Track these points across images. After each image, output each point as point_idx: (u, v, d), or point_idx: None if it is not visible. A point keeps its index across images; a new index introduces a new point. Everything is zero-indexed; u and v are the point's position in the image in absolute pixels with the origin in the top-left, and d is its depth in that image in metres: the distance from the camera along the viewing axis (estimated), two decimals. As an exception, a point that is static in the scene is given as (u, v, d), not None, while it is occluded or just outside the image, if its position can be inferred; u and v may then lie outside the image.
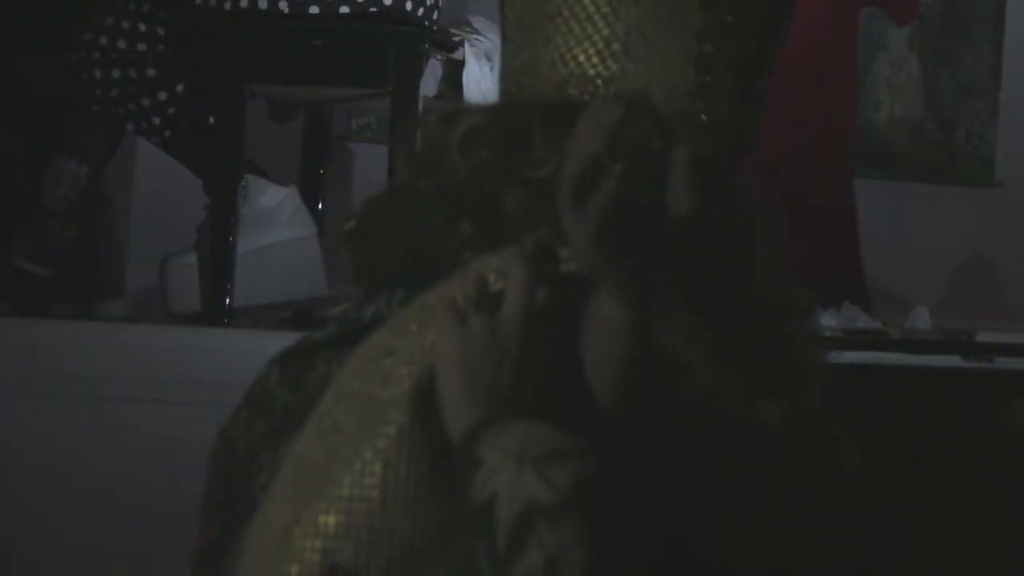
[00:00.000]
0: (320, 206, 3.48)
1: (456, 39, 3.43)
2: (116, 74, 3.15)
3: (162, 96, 3.17)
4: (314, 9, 3.07)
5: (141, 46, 3.15)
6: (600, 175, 1.19)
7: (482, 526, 1.16)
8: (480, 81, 3.37)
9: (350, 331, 1.37)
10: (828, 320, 3.77)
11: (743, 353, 1.30)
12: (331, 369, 1.36)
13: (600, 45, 1.38)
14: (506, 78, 1.49)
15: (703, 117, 1.37)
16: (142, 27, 3.15)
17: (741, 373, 1.28)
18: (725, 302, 1.30)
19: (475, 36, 3.48)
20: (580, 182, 1.20)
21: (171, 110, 3.18)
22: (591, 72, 1.38)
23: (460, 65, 3.41)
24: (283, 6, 3.07)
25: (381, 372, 1.28)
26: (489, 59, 3.43)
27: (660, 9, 1.36)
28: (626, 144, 1.20)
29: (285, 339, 1.46)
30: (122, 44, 3.14)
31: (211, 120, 3.15)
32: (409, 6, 3.11)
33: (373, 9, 3.08)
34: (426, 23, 3.17)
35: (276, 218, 3.25)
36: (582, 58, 1.38)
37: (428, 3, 3.15)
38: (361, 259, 1.42)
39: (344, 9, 3.08)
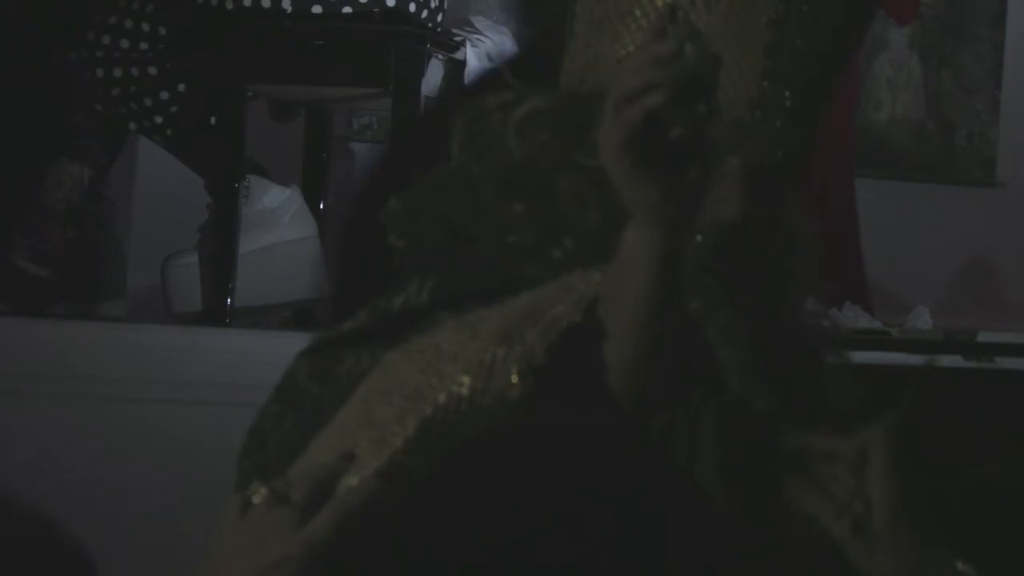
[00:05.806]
0: (321, 206, 3.47)
1: (458, 39, 3.42)
2: (118, 73, 3.15)
3: (164, 95, 3.17)
4: (317, 9, 3.07)
5: (143, 45, 3.15)
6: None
7: None
8: (481, 81, 3.37)
9: (380, 322, 1.37)
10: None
11: (773, 367, 1.29)
12: (360, 361, 1.35)
13: None
14: (569, 73, 1.49)
15: (759, 128, 1.38)
16: (144, 26, 3.15)
17: (768, 385, 1.28)
18: (763, 315, 1.30)
19: (477, 36, 3.47)
20: (623, 98, 1.19)
21: (173, 109, 3.17)
22: None
23: (462, 65, 3.41)
24: (285, 5, 3.07)
25: (437, 372, 1.27)
26: (491, 59, 3.42)
27: (731, 18, 1.36)
28: (674, 71, 1.19)
29: (286, 339, 1.46)
30: (124, 43, 3.14)
31: (213, 119, 3.15)
32: (412, 8, 3.10)
33: (376, 10, 3.08)
34: (429, 24, 3.16)
35: (278, 218, 3.25)
36: None
37: (432, 5, 3.15)
38: (405, 239, 1.42)
39: (347, 10, 3.07)
